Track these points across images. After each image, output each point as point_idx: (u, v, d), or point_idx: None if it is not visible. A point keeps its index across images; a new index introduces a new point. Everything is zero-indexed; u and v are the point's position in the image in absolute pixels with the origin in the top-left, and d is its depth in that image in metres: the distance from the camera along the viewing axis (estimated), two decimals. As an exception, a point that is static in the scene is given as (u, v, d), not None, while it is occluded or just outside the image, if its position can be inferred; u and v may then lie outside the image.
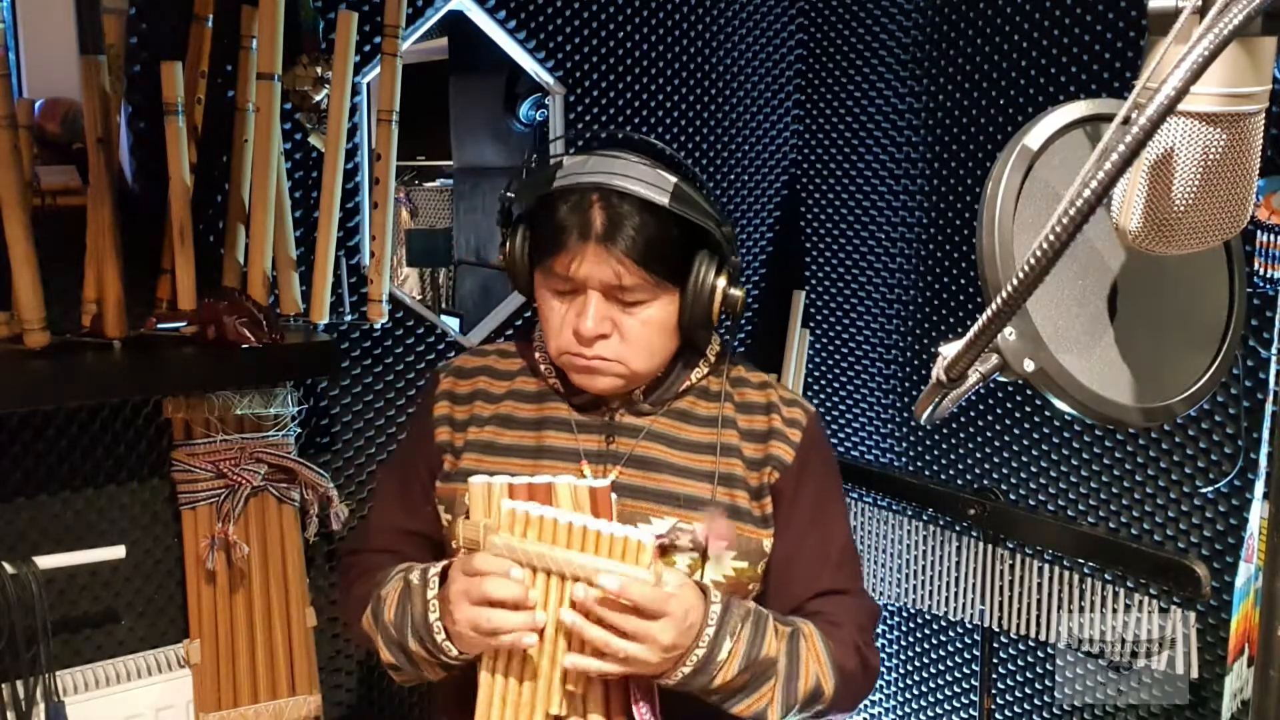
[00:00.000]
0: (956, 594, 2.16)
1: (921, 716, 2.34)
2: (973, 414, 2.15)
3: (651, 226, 1.21)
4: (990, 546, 2.09)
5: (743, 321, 2.22)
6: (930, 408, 0.87)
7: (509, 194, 1.32)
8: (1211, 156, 0.75)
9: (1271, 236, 1.63)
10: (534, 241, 1.28)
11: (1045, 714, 2.09)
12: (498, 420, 1.36)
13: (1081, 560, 1.96)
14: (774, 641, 1.22)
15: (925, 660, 2.32)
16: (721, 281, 1.26)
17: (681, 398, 1.34)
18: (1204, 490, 1.79)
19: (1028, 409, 2.06)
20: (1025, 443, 2.06)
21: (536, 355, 1.39)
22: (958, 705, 2.26)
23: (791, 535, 1.34)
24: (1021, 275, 0.73)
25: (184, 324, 1.74)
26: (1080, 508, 1.98)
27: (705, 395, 1.35)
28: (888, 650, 2.41)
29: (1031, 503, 2.06)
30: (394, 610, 1.23)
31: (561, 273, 1.23)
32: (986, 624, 2.10)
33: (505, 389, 1.38)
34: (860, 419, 2.41)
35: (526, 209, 1.31)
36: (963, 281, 2.17)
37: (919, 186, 2.24)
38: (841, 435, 2.46)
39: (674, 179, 1.23)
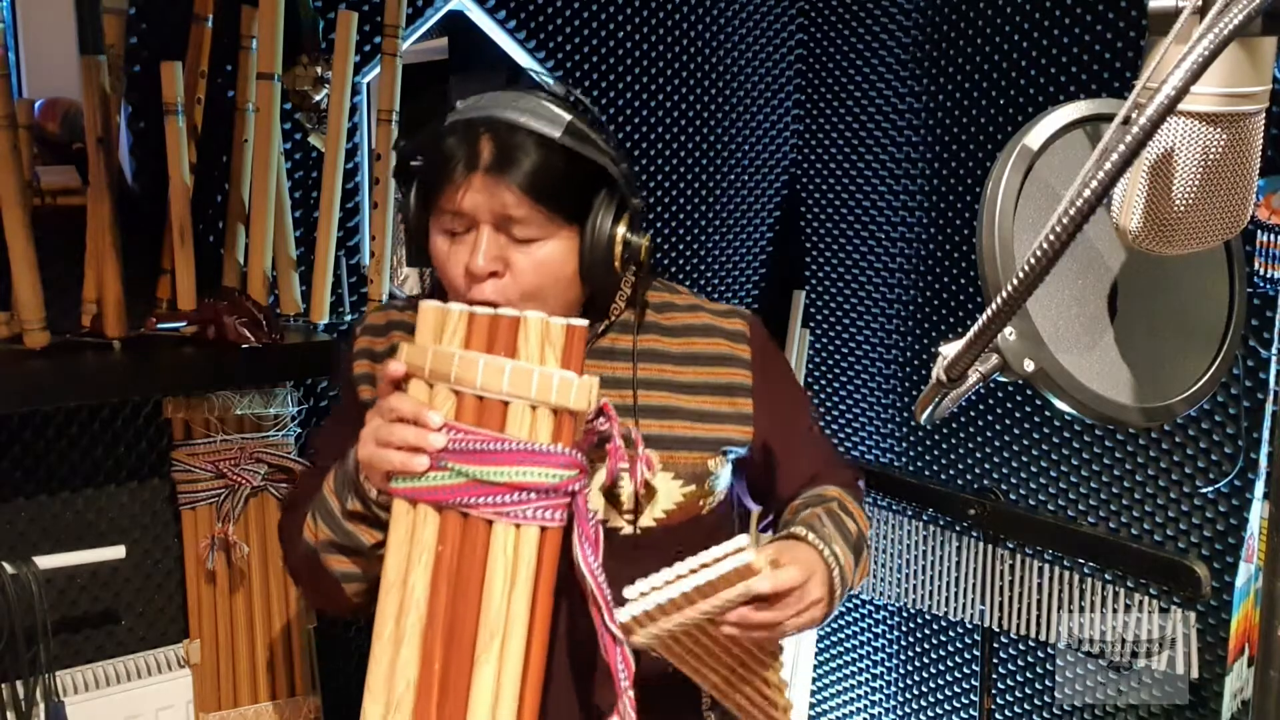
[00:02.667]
0: (956, 594, 2.16)
1: (921, 716, 2.35)
2: (973, 414, 2.15)
3: (542, 160, 1.15)
4: (990, 546, 2.09)
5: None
6: (930, 408, 0.87)
7: (401, 144, 1.25)
8: (1211, 156, 0.75)
9: (1271, 236, 1.63)
10: (423, 185, 1.21)
11: (1045, 714, 2.09)
12: None
13: (1081, 560, 1.96)
14: (848, 520, 1.27)
15: (925, 660, 2.32)
16: (621, 228, 1.20)
17: (602, 338, 1.29)
18: (1204, 490, 1.79)
19: (1028, 409, 2.06)
20: (1025, 443, 2.06)
21: None
22: (958, 705, 2.26)
23: (776, 441, 1.34)
24: (1021, 275, 0.73)
25: (184, 324, 1.74)
26: (1080, 508, 1.98)
27: (626, 330, 1.30)
28: (888, 650, 2.41)
29: (1031, 503, 2.06)
30: (331, 481, 1.19)
31: (449, 207, 1.17)
32: (986, 624, 2.10)
33: None
34: (860, 419, 2.41)
35: (420, 159, 1.25)
36: (963, 281, 2.18)
37: (919, 186, 2.24)
38: (842, 435, 2.46)
39: (568, 116, 1.18)
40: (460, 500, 1.04)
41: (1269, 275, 1.64)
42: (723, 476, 1.31)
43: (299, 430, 1.92)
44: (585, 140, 1.18)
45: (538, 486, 1.03)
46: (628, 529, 1.23)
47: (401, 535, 1.07)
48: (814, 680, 2.55)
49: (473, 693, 1.03)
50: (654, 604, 1.05)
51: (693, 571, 1.07)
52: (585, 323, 1.07)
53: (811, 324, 2.50)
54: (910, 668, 2.36)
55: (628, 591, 1.05)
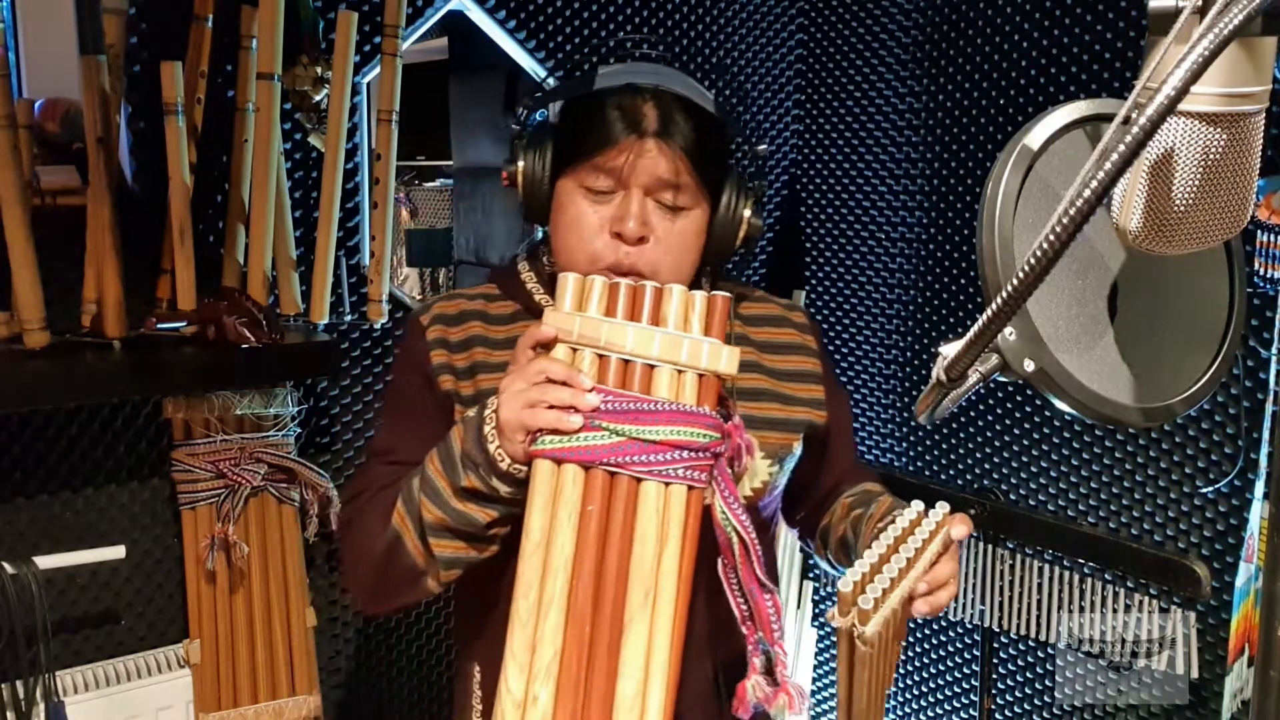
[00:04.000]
0: (956, 594, 2.16)
1: (921, 716, 2.34)
2: (973, 414, 2.15)
3: (702, 130, 1.21)
4: (990, 546, 2.09)
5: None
6: (930, 408, 0.87)
7: (532, 99, 1.27)
8: (1211, 156, 0.75)
9: (1271, 236, 1.63)
10: (566, 145, 1.23)
11: (1045, 714, 2.09)
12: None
13: (1081, 560, 1.96)
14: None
15: (925, 660, 2.32)
16: (748, 210, 1.26)
17: None
18: (1204, 490, 1.79)
19: (1028, 409, 2.06)
20: (1025, 443, 2.06)
21: (534, 293, 1.31)
22: (958, 705, 2.26)
23: (832, 430, 1.38)
24: (1021, 275, 0.73)
25: (184, 324, 1.74)
26: (1080, 508, 1.98)
27: None
28: (888, 650, 2.41)
29: (1031, 503, 2.06)
30: (436, 461, 1.16)
31: (609, 167, 1.18)
32: (986, 624, 2.10)
33: (506, 334, 1.30)
34: (860, 419, 2.41)
35: (552, 117, 1.27)
36: (963, 281, 2.18)
37: (919, 186, 2.24)
38: (841, 435, 2.46)
39: (711, 94, 1.24)
40: (613, 459, 1.05)
41: (1269, 275, 1.64)
42: (791, 463, 1.34)
43: (299, 430, 1.92)
44: (730, 116, 1.24)
45: (691, 445, 1.05)
46: None
47: (545, 497, 1.06)
48: (814, 680, 2.55)
49: (624, 653, 1.03)
50: (888, 579, 1.05)
51: (898, 541, 1.10)
52: (728, 295, 1.09)
53: (811, 324, 2.50)
54: (910, 668, 2.35)
55: (842, 584, 1.05)
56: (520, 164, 1.24)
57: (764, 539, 1.35)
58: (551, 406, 1.06)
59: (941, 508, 1.14)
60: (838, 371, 2.45)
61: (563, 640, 1.03)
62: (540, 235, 1.32)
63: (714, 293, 1.09)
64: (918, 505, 1.15)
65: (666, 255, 1.21)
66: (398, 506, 1.20)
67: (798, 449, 1.34)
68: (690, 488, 1.06)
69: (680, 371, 1.08)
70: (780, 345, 1.36)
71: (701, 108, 1.21)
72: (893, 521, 1.13)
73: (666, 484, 1.06)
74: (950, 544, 1.14)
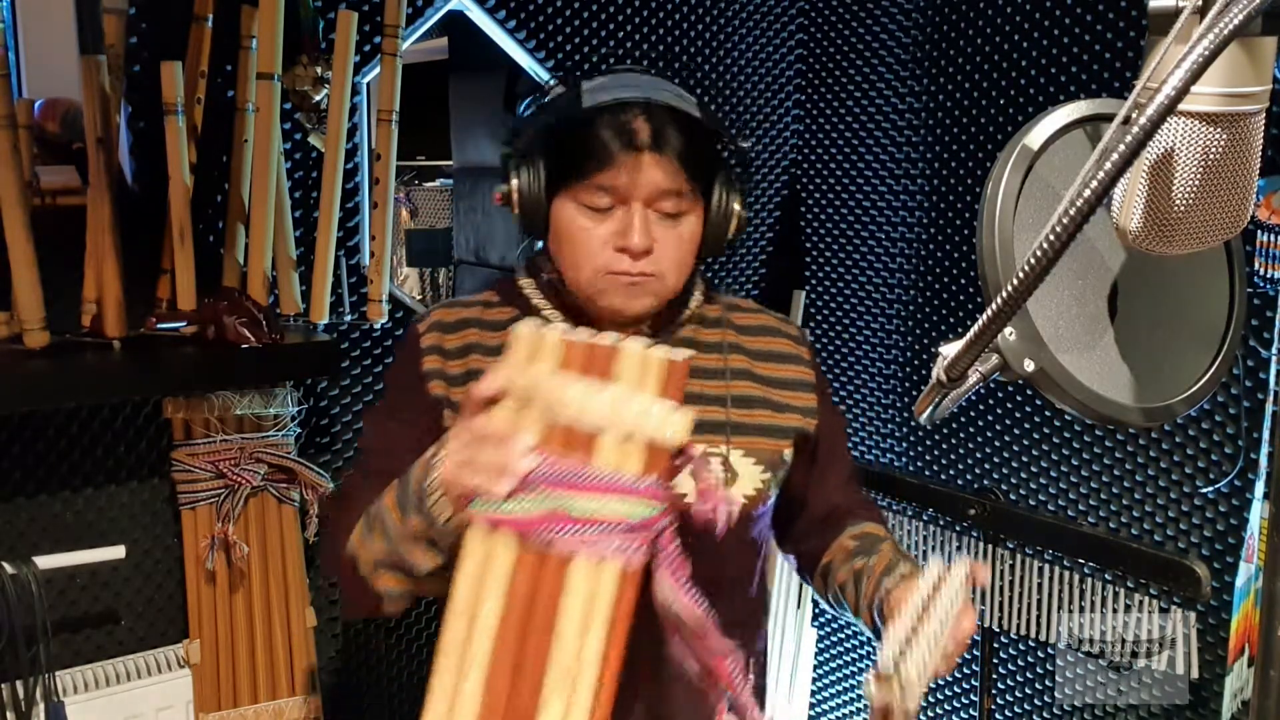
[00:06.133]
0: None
1: (921, 716, 2.34)
2: (973, 414, 2.15)
3: (691, 137, 1.22)
4: (990, 546, 2.09)
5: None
6: (930, 408, 0.87)
7: (518, 124, 1.27)
8: (1211, 156, 0.75)
9: (1271, 236, 1.63)
10: (561, 164, 1.23)
11: (1045, 714, 2.09)
12: None
13: (1081, 560, 1.96)
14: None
15: (925, 660, 2.32)
16: (737, 205, 1.28)
17: (683, 327, 1.33)
18: (1204, 490, 1.79)
19: (1028, 409, 2.06)
20: (1025, 443, 2.06)
21: (532, 298, 1.32)
22: (958, 705, 2.26)
23: (823, 444, 1.39)
24: (1021, 275, 0.73)
25: (184, 324, 1.74)
26: (1080, 508, 1.98)
27: (704, 323, 1.35)
28: (888, 650, 2.41)
29: (1031, 503, 2.06)
30: (392, 494, 1.15)
31: (609, 185, 1.19)
32: (986, 624, 2.10)
33: (501, 340, 1.26)
34: (860, 419, 2.41)
35: (542, 137, 1.26)
36: (963, 281, 2.18)
37: (919, 186, 2.24)
38: (841, 435, 2.46)
39: (693, 98, 1.26)
40: (541, 530, 0.99)
41: (1269, 275, 1.64)
42: (783, 474, 1.35)
43: (299, 430, 1.92)
44: (715, 118, 1.27)
45: (622, 522, 0.99)
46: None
47: (476, 561, 1.02)
48: (814, 680, 2.55)
49: None
50: (927, 649, 1.05)
51: (924, 610, 1.08)
52: (688, 353, 1.03)
53: (811, 324, 2.50)
54: (910, 668, 2.35)
55: (882, 665, 1.04)
56: (515, 183, 1.24)
57: (753, 561, 1.35)
58: (485, 469, 1.01)
59: (959, 566, 1.09)
60: (839, 371, 2.45)
61: (479, 705, 0.99)
62: (540, 246, 1.32)
63: (674, 354, 1.02)
64: (937, 566, 1.09)
65: (667, 262, 1.24)
66: (358, 531, 1.20)
67: (788, 455, 1.34)
68: (624, 568, 0.99)
69: (627, 437, 1.00)
70: (772, 354, 1.37)
71: (690, 115, 1.22)
72: (916, 586, 1.10)
73: (600, 560, 0.98)
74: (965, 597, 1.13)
